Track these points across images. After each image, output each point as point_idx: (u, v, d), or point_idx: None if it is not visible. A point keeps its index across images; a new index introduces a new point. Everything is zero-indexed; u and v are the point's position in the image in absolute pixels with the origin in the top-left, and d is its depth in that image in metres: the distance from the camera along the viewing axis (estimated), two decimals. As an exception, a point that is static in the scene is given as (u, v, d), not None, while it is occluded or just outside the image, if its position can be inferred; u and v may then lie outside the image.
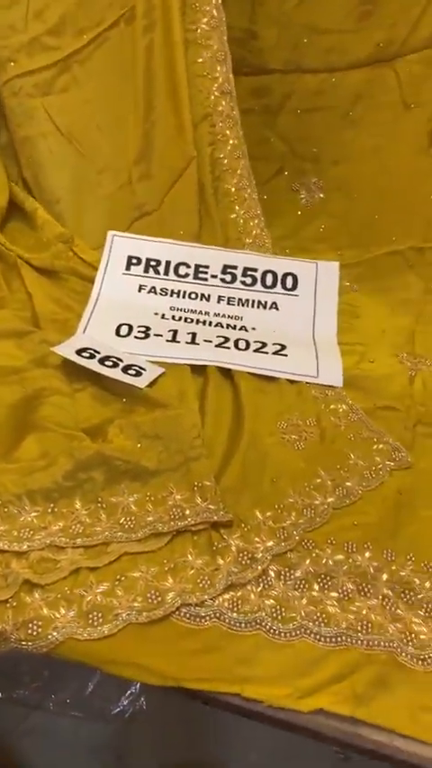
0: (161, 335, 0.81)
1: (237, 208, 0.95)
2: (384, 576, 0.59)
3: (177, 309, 0.86)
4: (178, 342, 0.80)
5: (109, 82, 0.90)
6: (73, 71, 0.89)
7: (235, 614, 0.55)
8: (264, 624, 0.54)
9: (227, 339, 0.82)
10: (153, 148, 0.91)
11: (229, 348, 0.81)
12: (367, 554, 0.60)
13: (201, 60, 0.91)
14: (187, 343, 0.80)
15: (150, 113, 0.91)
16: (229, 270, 0.91)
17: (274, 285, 0.91)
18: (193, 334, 0.82)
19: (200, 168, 0.92)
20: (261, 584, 0.57)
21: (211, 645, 0.53)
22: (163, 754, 1.01)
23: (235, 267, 0.91)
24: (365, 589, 0.58)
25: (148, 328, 0.81)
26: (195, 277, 0.90)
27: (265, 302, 0.89)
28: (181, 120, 0.90)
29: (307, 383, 0.79)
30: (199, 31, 0.90)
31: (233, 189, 0.95)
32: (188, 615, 0.54)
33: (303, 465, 0.69)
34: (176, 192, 0.92)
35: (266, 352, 0.82)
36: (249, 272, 0.91)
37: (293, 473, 0.67)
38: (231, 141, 0.94)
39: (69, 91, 0.89)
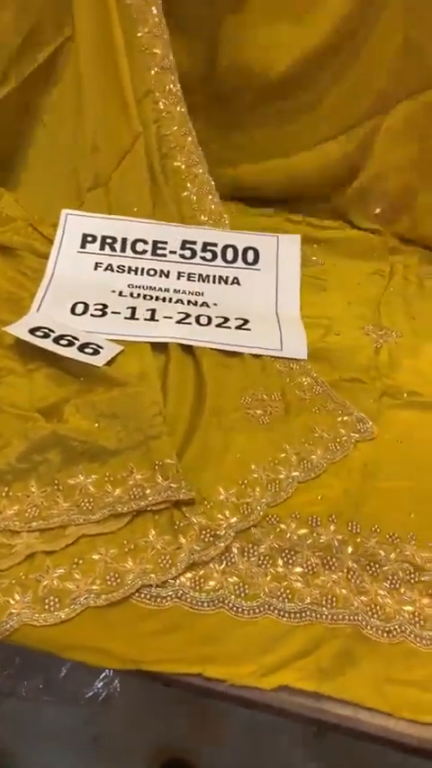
0: (119, 313, 0.78)
1: (189, 185, 0.92)
2: (349, 549, 0.58)
3: (135, 287, 0.83)
4: (137, 319, 0.78)
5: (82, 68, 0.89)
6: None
7: (197, 593, 0.53)
8: (227, 602, 0.53)
9: (188, 315, 0.80)
10: (98, 125, 0.88)
11: (190, 324, 0.79)
12: (332, 527, 0.59)
13: (139, 35, 0.88)
14: (146, 320, 0.78)
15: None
16: (188, 245, 0.88)
17: (234, 260, 0.89)
18: (153, 311, 0.79)
19: (147, 146, 0.89)
20: (224, 562, 0.56)
21: (172, 625, 0.52)
22: (138, 736, 1.01)
23: (194, 243, 0.89)
24: (330, 563, 0.57)
25: (105, 306, 0.79)
26: (153, 253, 0.88)
27: (227, 277, 0.87)
28: (123, 96, 0.87)
29: (271, 357, 0.77)
30: (133, 4, 0.87)
31: (183, 166, 0.92)
32: (149, 596, 0.53)
33: (268, 440, 0.67)
34: (125, 168, 0.89)
35: (229, 327, 0.80)
36: (209, 247, 0.89)
37: (258, 448, 0.66)
38: (177, 118, 0.92)
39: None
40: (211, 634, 0.52)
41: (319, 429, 0.69)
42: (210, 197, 0.94)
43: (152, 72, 0.90)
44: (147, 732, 1.01)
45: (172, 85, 0.91)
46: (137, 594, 0.53)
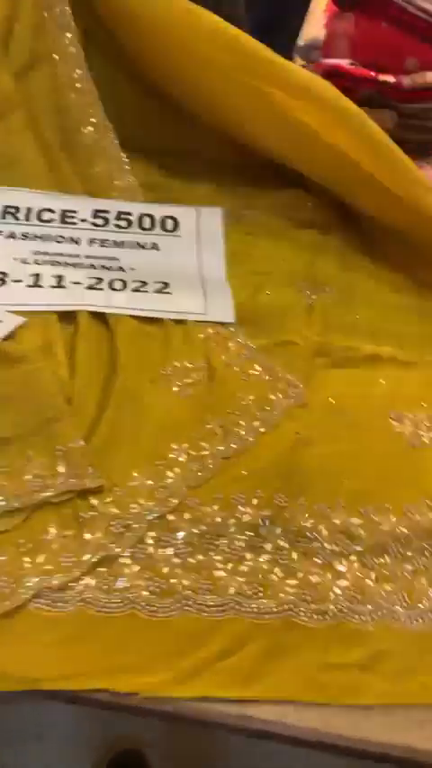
0: (21, 281, 0.70)
1: (97, 160, 0.83)
2: (277, 528, 0.52)
3: (41, 254, 0.74)
4: (41, 286, 0.69)
5: None
6: None
7: (105, 594, 0.47)
8: (139, 602, 0.47)
9: (100, 280, 0.72)
10: None
11: (102, 290, 0.71)
12: (255, 501, 0.53)
13: None
14: (52, 287, 0.70)
15: None
16: (100, 214, 0.80)
17: (152, 228, 0.81)
18: (60, 277, 0.71)
19: (34, 118, 0.79)
20: (137, 555, 0.49)
21: (75, 634, 0.45)
22: (86, 727, 0.96)
23: (107, 211, 0.80)
24: (256, 544, 0.51)
25: (4, 274, 0.70)
26: (62, 222, 0.78)
27: (144, 243, 0.79)
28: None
29: (195, 322, 0.70)
30: None
31: (89, 140, 0.82)
32: (49, 602, 0.46)
33: (190, 413, 0.61)
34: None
35: (147, 292, 0.72)
36: (124, 216, 0.81)
37: (178, 423, 0.59)
38: (79, 85, 0.81)
39: None
40: (121, 640, 0.45)
41: (247, 397, 0.63)
42: (121, 173, 0.84)
43: (48, 27, 0.79)
44: (95, 723, 0.96)
45: (73, 47, 0.81)
46: (34, 601, 0.46)
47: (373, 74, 1.29)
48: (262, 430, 0.60)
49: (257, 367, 0.66)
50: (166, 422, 0.59)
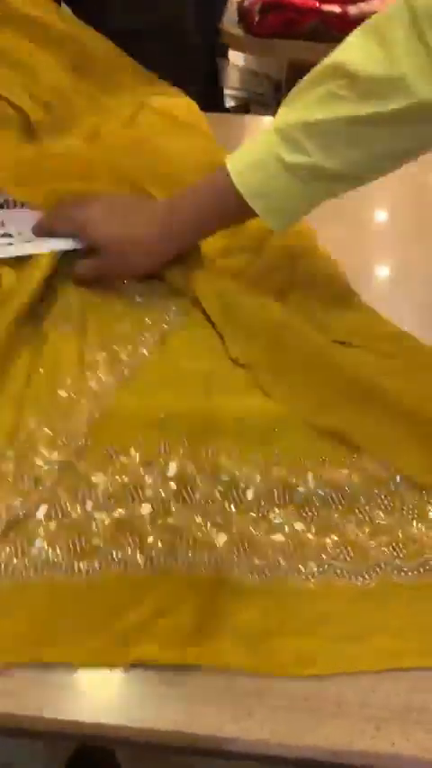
0: None
1: None
2: (207, 476, 0.47)
3: None
4: None
5: None
6: None
7: (19, 560, 0.41)
8: (60, 566, 0.41)
9: None
10: None
11: None
12: (182, 451, 0.48)
13: None
14: None
15: None
16: None
17: None
18: None
19: None
20: (52, 513, 0.44)
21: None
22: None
23: None
24: (185, 495, 0.46)
25: None
26: None
27: None
28: None
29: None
30: None
31: None
32: None
33: (68, 353, 0.55)
34: None
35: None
36: None
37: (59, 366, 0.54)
38: None
39: None
40: (44, 610, 0.40)
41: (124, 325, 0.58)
42: None
43: None
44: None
45: None
46: None
47: (317, 4, 1.21)
48: (145, 353, 0.55)
49: (137, 298, 0.60)
50: (49, 367, 0.53)
